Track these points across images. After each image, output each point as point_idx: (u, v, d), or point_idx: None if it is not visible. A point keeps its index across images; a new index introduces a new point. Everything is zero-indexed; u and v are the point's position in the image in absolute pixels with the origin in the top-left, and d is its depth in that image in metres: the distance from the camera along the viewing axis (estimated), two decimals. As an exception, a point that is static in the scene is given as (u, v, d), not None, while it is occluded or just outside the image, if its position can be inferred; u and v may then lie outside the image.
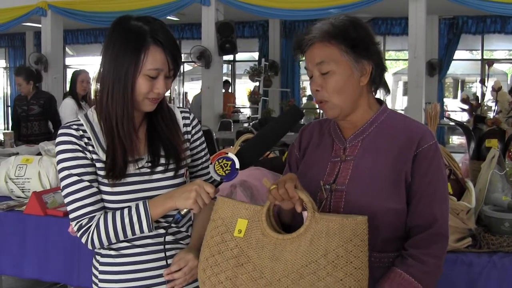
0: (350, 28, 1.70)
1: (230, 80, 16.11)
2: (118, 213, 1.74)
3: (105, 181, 1.76)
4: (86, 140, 1.75)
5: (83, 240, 1.76)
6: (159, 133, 1.85)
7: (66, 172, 1.73)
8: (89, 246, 1.77)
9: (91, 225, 1.73)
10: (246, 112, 14.42)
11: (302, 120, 13.17)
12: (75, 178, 1.73)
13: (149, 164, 1.80)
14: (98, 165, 1.76)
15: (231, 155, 1.69)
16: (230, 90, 15.32)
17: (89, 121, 1.79)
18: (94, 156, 1.75)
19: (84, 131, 1.77)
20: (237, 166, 1.68)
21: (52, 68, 12.10)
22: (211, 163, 1.71)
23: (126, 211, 1.74)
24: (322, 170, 1.80)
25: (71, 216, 1.75)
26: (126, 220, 1.73)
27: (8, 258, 3.20)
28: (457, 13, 13.19)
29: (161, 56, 1.70)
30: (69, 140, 1.74)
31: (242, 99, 17.42)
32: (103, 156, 1.75)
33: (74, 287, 3.36)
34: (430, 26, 12.11)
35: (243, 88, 17.24)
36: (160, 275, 1.81)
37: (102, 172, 1.75)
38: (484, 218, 2.56)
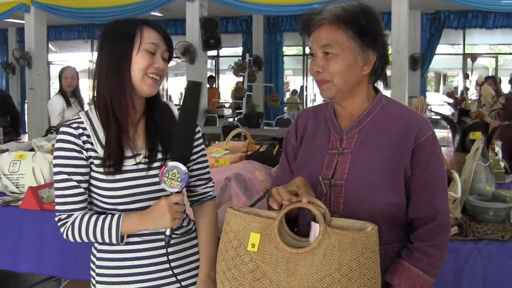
0: (361, 15, 1.69)
1: (214, 75, 16.12)
2: (94, 217, 1.80)
3: (103, 177, 1.80)
4: (85, 138, 1.81)
5: (61, 231, 1.84)
6: (157, 128, 1.89)
7: (58, 169, 1.81)
8: (65, 238, 1.85)
9: (67, 221, 1.81)
10: (230, 107, 14.43)
11: (285, 115, 13.30)
12: (65, 176, 1.79)
13: (147, 160, 1.85)
14: (96, 162, 1.81)
15: (171, 163, 1.72)
16: (214, 86, 15.32)
17: (89, 118, 1.85)
18: (92, 154, 1.81)
19: (84, 128, 1.82)
20: (183, 168, 1.72)
21: (36, 64, 12.00)
22: (160, 181, 1.73)
23: (101, 217, 1.80)
24: (320, 163, 1.79)
25: (55, 208, 1.84)
26: (98, 227, 1.79)
27: (4, 252, 3.24)
28: (439, 8, 13.28)
29: (155, 34, 1.80)
30: (67, 139, 1.80)
31: (226, 95, 17.37)
32: (101, 153, 1.80)
33: (70, 280, 3.40)
34: (412, 21, 12.18)
35: (227, 83, 17.16)
36: (160, 270, 1.88)
37: (100, 169, 1.81)
38: (469, 208, 2.65)
